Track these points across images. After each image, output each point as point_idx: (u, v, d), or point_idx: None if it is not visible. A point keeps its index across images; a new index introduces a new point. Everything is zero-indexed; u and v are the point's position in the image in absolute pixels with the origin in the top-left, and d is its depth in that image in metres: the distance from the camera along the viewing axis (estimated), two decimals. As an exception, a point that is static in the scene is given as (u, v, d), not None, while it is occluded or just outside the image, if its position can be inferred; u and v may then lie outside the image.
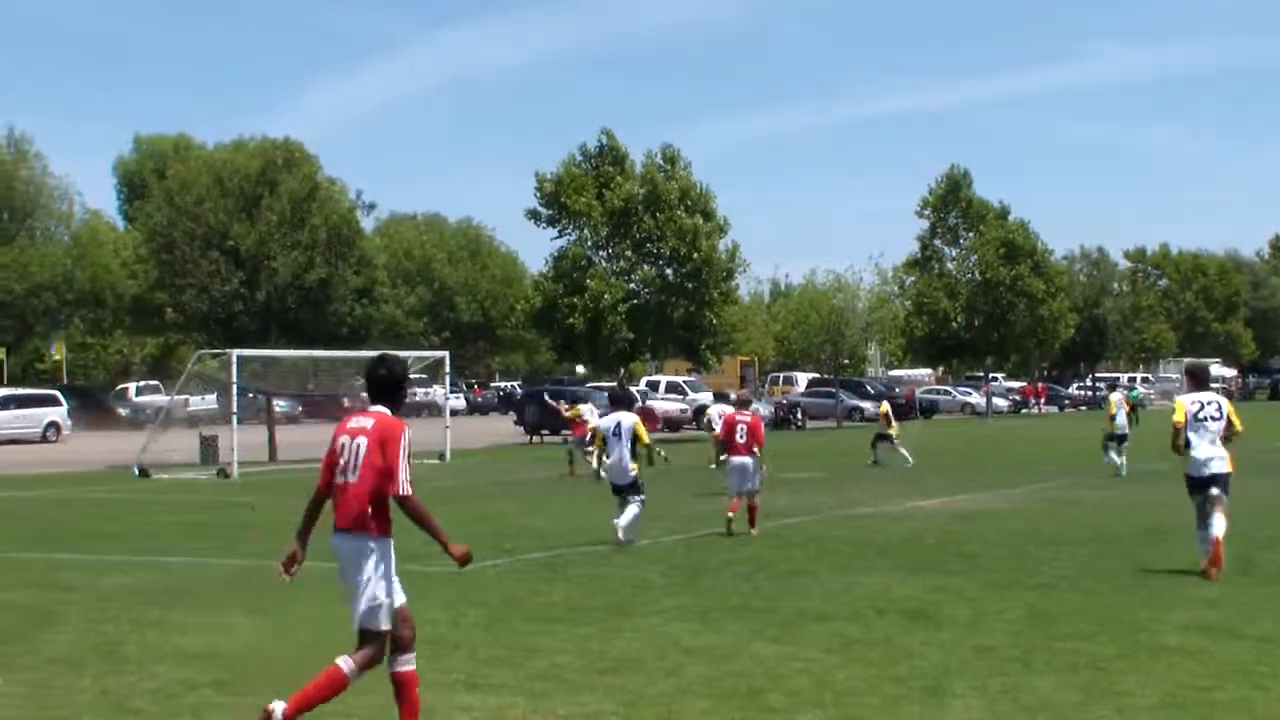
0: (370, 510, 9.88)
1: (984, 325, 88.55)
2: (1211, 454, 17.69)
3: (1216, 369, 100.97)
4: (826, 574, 18.61)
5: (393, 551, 10.11)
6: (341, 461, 10.00)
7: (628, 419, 22.99)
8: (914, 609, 15.57)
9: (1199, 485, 17.86)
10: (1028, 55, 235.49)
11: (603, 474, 29.26)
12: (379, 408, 10.12)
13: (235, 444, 41.91)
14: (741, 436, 24.08)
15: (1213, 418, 17.78)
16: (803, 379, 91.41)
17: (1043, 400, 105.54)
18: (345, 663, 10.00)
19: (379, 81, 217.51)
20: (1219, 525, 17.42)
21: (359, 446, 9.93)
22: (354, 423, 10.16)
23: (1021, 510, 27.43)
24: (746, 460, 24.03)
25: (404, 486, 9.74)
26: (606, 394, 25.37)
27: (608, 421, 23.46)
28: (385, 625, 10.00)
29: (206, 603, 16.87)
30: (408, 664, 10.11)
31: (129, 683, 12.38)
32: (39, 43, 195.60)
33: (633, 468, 22.64)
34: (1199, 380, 18.46)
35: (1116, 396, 38.00)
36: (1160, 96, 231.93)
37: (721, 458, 26.63)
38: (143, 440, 45.84)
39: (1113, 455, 36.27)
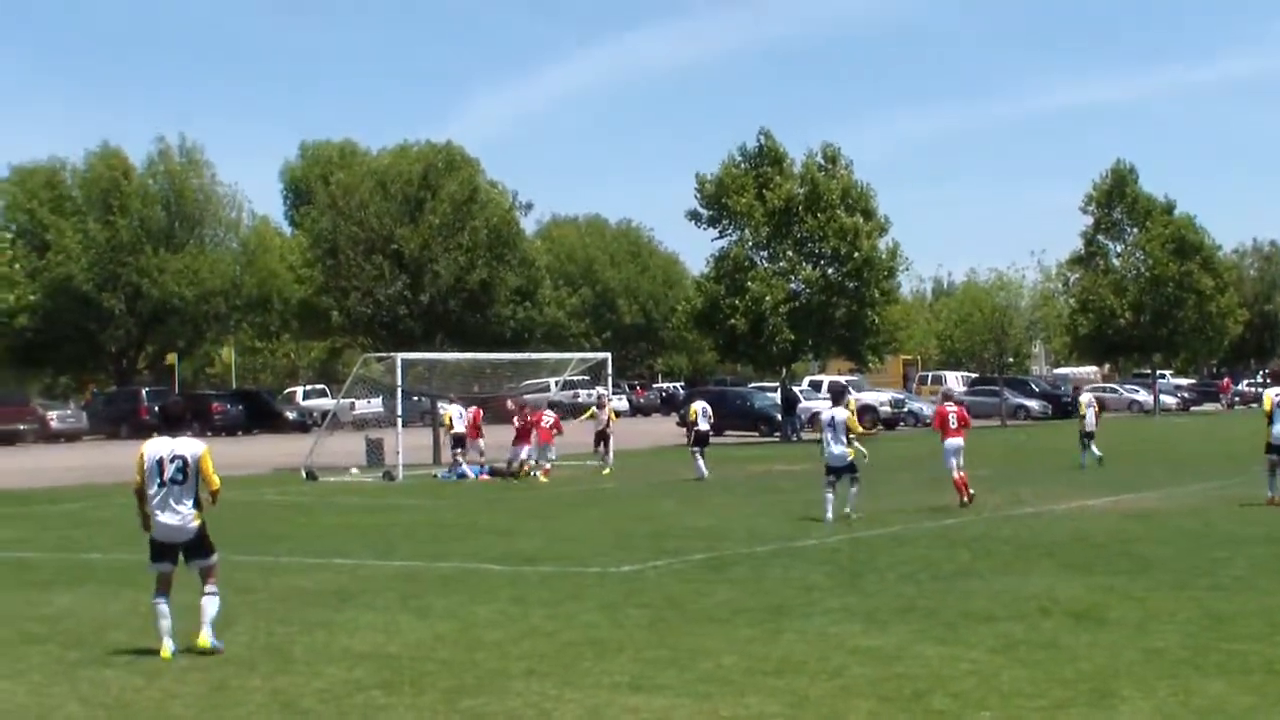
0: None
1: (1151, 322, 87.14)
2: None
3: None
4: (991, 574, 18.44)
5: None
6: None
7: (840, 413, 26.47)
8: (1080, 610, 15.38)
9: (1272, 449, 26.64)
10: (1192, 47, 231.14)
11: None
12: None
13: (400, 447, 42.34)
14: (954, 423, 28.90)
15: None
16: (952, 378, 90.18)
17: (1228, 395, 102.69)
18: None
19: (540, 87, 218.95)
20: None
21: None
22: None
23: (1194, 509, 26.94)
24: (960, 440, 28.79)
25: None
26: (828, 388, 28.99)
27: (825, 415, 27.14)
28: None
29: (373, 604, 17.08)
30: None
31: (298, 683, 12.59)
32: (208, 51, 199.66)
33: (849, 453, 26.15)
34: (1277, 379, 29.60)
35: (1086, 398, 42.60)
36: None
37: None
38: (310, 443, 46.49)
39: (1092, 451, 39.84)
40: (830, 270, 64.53)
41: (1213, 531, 22.95)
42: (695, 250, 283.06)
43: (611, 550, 22.14)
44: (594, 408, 45.69)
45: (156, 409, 12.57)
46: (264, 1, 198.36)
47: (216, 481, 14.15)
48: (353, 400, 61.99)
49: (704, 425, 40.19)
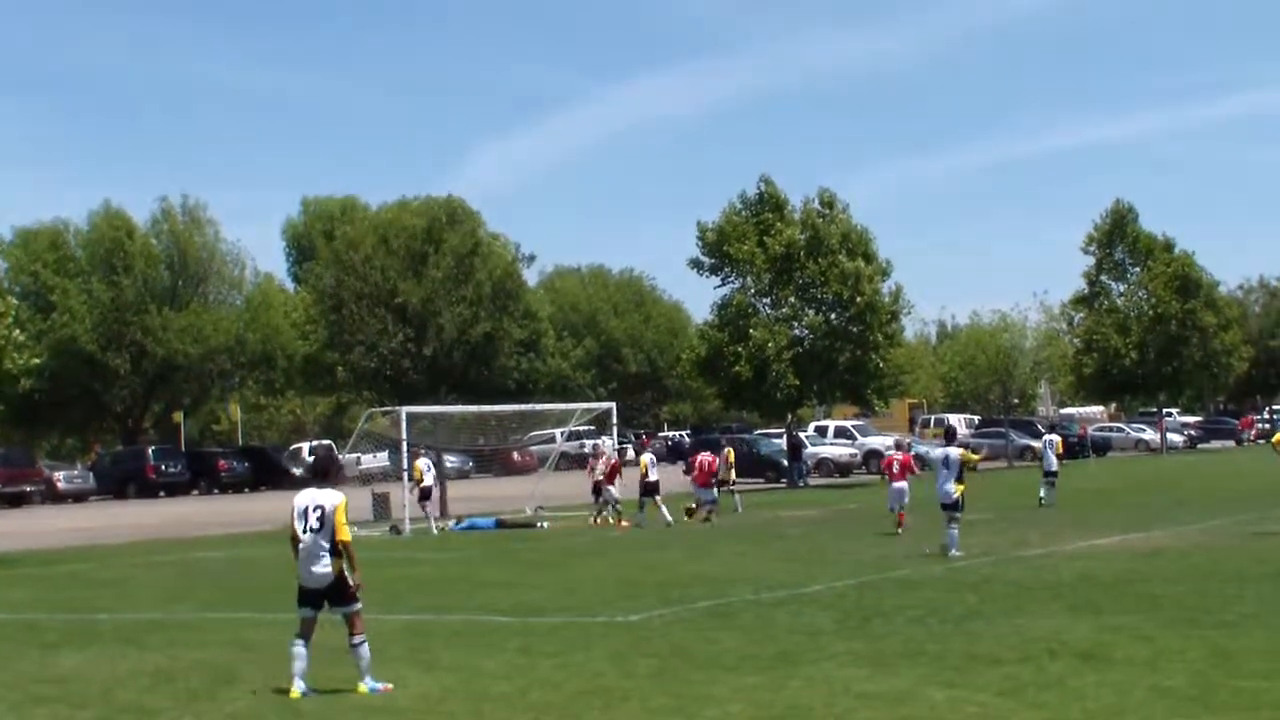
0: None
1: (1155, 360, 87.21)
2: None
3: None
4: (998, 616, 18.41)
5: None
6: None
7: (954, 451, 28.47)
8: (1087, 650, 15.36)
9: None
10: (1189, 86, 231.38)
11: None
12: None
13: (407, 501, 42.33)
14: (896, 468, 34.28)
15: None
16: (956, 420, 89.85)
17: (1253, 433, 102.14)
18: None
19: (540, 139, 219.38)
20: None
21: None
22: None
23: (1203, 546, 26.91)
24: (904, 485, 33.79)
25: None
26: (944, 432, 32.80)
27: (939, 453, 29.43)
28: None
29: (381, 658, 17.02)
30: None
31: (306, 739, 12.56)
32: (209, 110, 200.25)
33: (957, 491, 27.73)
34: None
35: (1048, 438, 44.72)
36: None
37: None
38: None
39: (1044, 490, 41.89)
40: (833, 315, 64.54)
41: (1221, 569, 22.91)
42: (698, 298, 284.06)
43: (618, 600, 22.12)
44: (591, 458, 45.57)
45: (308, 460, 13.32)
46: (264, 59, 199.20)
47: (345, 534, 14.98)
48: (358, 455, 61.99)
49: (654, 476, 41.41)
